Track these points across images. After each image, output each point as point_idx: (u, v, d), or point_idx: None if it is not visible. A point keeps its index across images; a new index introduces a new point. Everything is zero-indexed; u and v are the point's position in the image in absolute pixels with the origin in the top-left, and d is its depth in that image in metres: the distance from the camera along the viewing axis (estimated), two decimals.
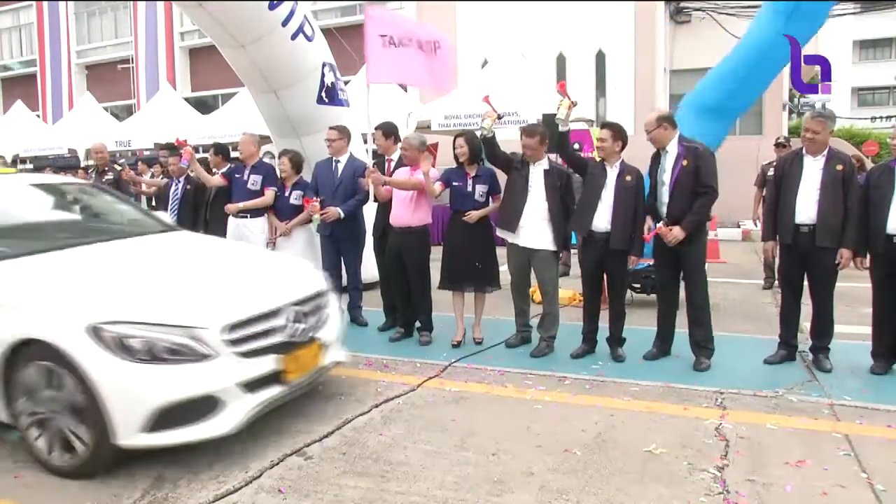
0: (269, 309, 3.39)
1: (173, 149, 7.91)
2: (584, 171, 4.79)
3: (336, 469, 3.10)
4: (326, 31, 7.36)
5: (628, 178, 4.58)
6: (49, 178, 5.23)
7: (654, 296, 5.52)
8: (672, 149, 4.50)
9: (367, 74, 5.62)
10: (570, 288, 6.55)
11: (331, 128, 5.69)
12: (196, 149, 14.00)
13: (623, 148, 4.65)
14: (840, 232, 4.26)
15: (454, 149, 5.08)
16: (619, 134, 4.63)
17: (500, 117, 5.00)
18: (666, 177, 4.49)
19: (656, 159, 4.61)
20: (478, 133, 5.01)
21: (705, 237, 4.69)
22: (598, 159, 4.82)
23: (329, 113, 6.58)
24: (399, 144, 5.49)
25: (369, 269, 6.01)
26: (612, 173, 4.62)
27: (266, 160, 7.60)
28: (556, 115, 4.71)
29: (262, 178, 5.85)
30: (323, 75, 6.64)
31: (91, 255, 3.72)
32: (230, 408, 3.08)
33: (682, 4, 15.85)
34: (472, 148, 4.99)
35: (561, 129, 4.72)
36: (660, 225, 4.43)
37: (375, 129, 5.71)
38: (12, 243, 3.63)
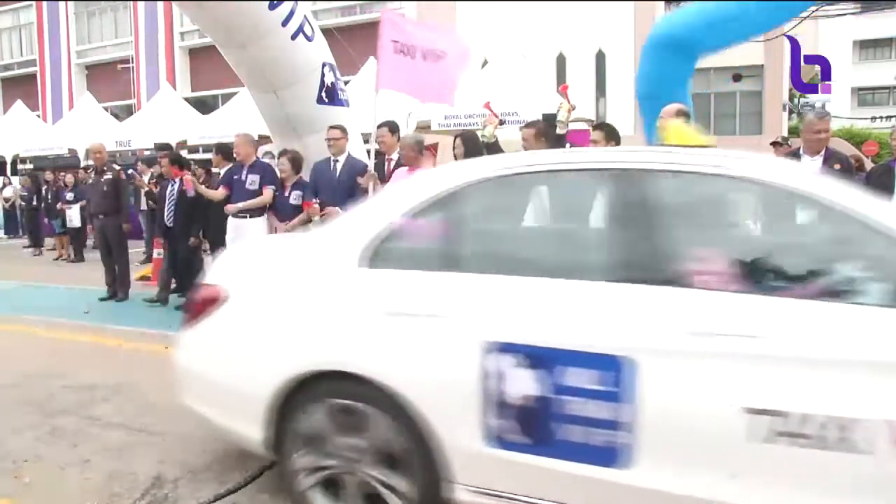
0: None
1: (170, 149, 7.91)
2: None
3: None
4: (326, 31, 7.37)
5: None
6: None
7: None
8: None
9: (378, 79, 5.44)
10: None
11: (332, 127, 5.70)
12: (196, 149, 14.08)
13: None
14: None
15: (454, 149, 5.10)
16: (611, 135, 4.65)
17: (501, 123, 5.02)
18: None
19: None
20: (480, 139, 5.02)
21: None
22: None
23: (329, 113, 6.59)
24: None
25: None
26: None
27: (266, 160, 7.61)
28: (556, 116, 4.75)
29: (260, 178, 5.86)
30: (323, 75, 6.65)
31: None
32: None
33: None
34: (468, 148, 5.00)
35: (559, 131, 4.75)
36: None
37: (381, 126, 5.70)
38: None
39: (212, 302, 2.65)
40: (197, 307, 2.73)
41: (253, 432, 2.54)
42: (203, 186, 6.14)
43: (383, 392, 2.27)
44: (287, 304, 2.54)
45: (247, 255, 3.11)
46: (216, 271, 2.86)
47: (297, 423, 2.46)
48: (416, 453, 2.27)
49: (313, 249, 2.70)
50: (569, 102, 4.71)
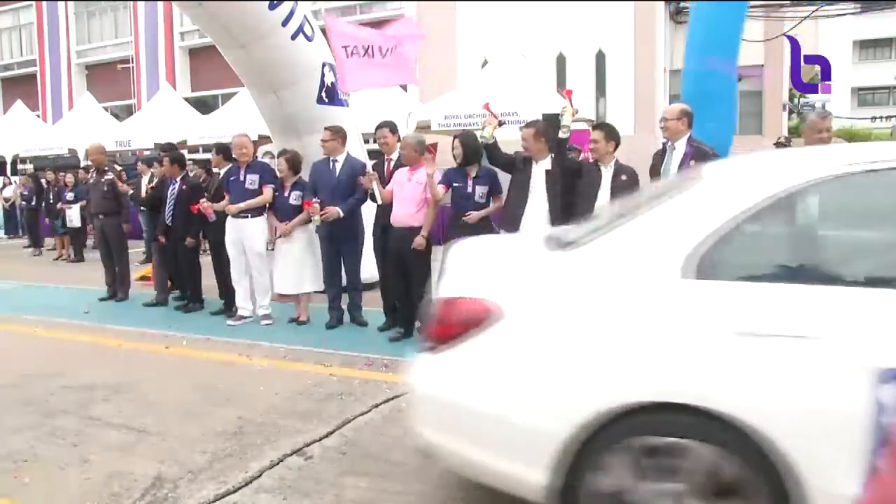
0: None
1: (174, 149, 7.92)
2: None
3: (336, 469, 3.10)
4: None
5: (623, 177, 4.59)
6: None
7: None
8: (680, 146, 4.51)
9: (342, 84, 5.93)
10: None
11: (325, 128, 5.71)
12: (196, 149, 14.07)
13: (616, 148, 4.68)
14: None
15: (452, 150, 5.10)
16: (611, 134, 4.66)
17: (501, 124, 5.02)
18: (671, 174, 4.50)
19: (660, 156, 4.62)
20: (479, 140, 5.02)
21: None
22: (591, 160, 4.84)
23: (329, 113, 6.59)
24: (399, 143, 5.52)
25: (369, 268, 6.02)
26: (606, 174, 4.63)
27: (266, 160, 7.60)
28: (560, 117, 4.74)
29: (259, 177, 5.85)
30: (323, 75, 6.66)
31: None
32: None
33: (682, 4, 15.84)
34: (466, 148, 5.00)
35: (562, 134, 4.75)
36: None
37: (381, 127, 5.70)
38: None
39: (479, 321, 2.24)
40: (454, 327, 2.29)
41: (533, 476, 2.13)
42: (217, 204, 6.10)
43: (730, 427, 1.92)
44: (589, 324, 2.14)
45: (508, 262, 2.59)
46: (472, 282, 2.42)
47: (599, 465, 2.06)
48: (769, 499, 1.93)
49: (607, 257, 2.25)
50: (572, 106, 4.73)
